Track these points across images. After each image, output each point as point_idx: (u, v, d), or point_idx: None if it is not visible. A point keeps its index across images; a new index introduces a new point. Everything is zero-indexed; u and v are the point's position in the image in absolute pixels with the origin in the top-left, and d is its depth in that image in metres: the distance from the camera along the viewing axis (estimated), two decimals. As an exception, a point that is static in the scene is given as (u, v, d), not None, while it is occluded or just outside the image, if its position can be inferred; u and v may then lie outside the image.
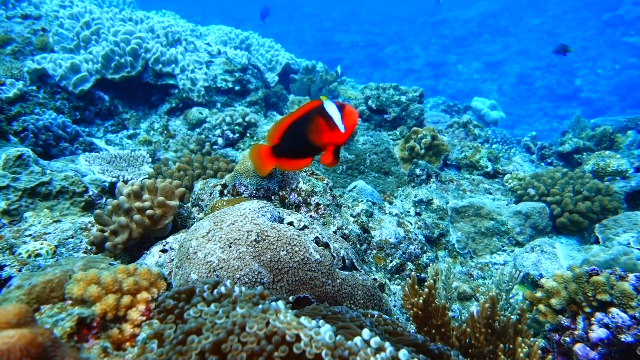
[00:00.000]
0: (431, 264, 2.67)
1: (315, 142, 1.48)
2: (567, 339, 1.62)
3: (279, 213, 1.98)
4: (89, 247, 2.09)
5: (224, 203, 2.18)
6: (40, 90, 3.84)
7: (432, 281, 1.45)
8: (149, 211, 1.94)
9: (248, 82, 4.94)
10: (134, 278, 1.12)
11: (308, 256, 1.62)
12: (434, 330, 1.47)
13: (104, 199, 2.72)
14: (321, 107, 1.46)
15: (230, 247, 1.56)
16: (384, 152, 4.27)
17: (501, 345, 1.38)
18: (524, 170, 4.31)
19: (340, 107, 1.45)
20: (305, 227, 1.92)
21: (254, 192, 2.28)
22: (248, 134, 4.32)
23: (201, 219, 1.98)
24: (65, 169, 2.69)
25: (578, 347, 1.54)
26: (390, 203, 3.55)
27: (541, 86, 15.61)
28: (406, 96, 4.87)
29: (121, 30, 4.25)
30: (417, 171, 3.81)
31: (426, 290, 1.45)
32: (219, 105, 4.67)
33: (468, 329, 1.44)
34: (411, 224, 2.99)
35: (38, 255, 1.96)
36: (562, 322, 1.69)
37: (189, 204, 2.50)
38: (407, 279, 1.68)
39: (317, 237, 1.84)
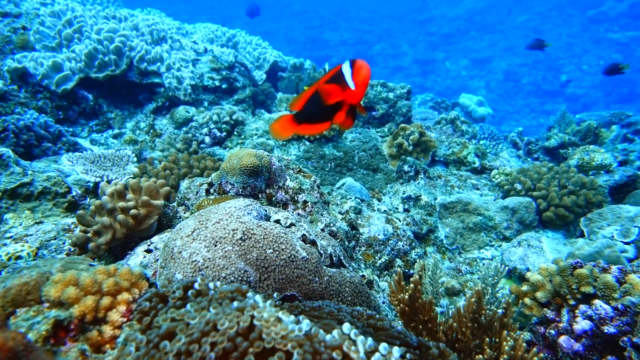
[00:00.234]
0: (419, 260, 2.68)
1: (329, 103, 1.45)
2: (552, 331, 1.63)
3: (266, 211, 1.96)
4: (72, 249, 2.05)
5: (210, 202, 2.16)
6: (22, 89, 3.76)
7: (417, 277, 1.45)
8: (133, 211, 1.92)
9: (235, 80, 4.90)
10: (115, 279, 1.10)
11: (295, 254, 1.61)
12: (421, 326, 1.47)
13: (88, 199, 2.67)
14: (338, 71, 1.42)
15: (215, 246, 1.54)
16: (373, 149, 4.27)
17: (487, 339, 1.39)
18: (510, 165, 4.35)
19: (352, 63, 1.39)
20: (292, 224, 1.91)
21: (240, 190, 2.26)
22: (235, 132, 4.29)
23: (187, 218, 1.96)
24: (48, 170, 2.64)
25: (562, 340, 1.55)
26: (379, 200, 3.56)
27: (528, 82, 15.78)
28: (394, 93, 4.87)
29: (105, 28, 4.18)
30: (406, 168, 3.82)
31: (412, 286, 1.45)
32: (206, 103, 4.63)
33: (455, 324, 1.44)
34: (400, 221, 2.99)
35: (19, 257, 1.92)
36: (547, 315, 1.70)
37: (175, 203, 2.47)
38: (394, 275, 1.68)
39: (304, 235, 1.83)
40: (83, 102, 4.10)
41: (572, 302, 1.66)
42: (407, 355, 0.80)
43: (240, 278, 1.47)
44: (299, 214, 2.36)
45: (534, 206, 3.26)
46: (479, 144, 4.66)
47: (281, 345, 0.67)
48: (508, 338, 1.33)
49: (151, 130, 4.33)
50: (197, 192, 2.40)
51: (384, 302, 2.35)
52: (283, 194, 2.37)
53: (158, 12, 6.78)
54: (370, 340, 0.71)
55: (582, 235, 2.99)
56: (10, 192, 2.32)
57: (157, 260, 1.77)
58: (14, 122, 3.14)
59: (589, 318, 1.51)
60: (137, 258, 1.83)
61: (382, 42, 19.99)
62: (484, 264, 2.99)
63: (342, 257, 1.93)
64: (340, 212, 2.85)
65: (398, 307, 1.50)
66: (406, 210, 3.38)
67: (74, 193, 2.59)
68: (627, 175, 3.62)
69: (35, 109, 3.67)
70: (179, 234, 1.64)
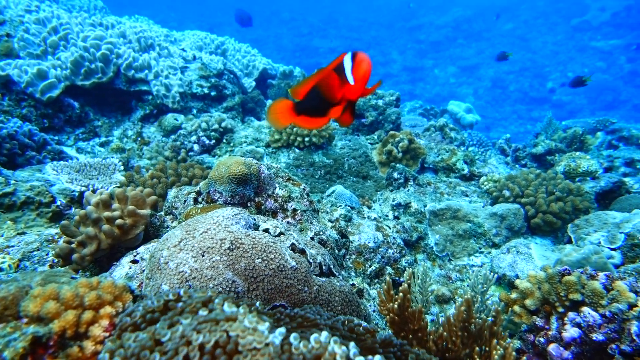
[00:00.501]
0: (408, 268, 2.68)
1: (328, 98, 1.37)
2: (542, 339, 1.63)
3: (255, 220, 1.94)
4: (55, 260, 2.00)
5: (198, 211, 2.13)
6: (5, 97, 3.69)
7: (406, 286, 1.44)
8: (118, 221, 1.88)
9: (224, 87, 4.88)
10: (97, 292, 1.07)
11: (284, 263, 1.59)
12: (411, 335, 1.46)
13: (73, 209, 2.62)
14: (339, 64, 1.34)
15: (203, 256, 1.52)
16: (362, 156, 4.28)
17: (477, 348, 1.38)
18: (499, 172, 4.38)
19: (353, 56, 1.31)
20: (281, 233, 1.89)
21: (229, 199, 2.24)
22: (225, 140, 4.27)
23: (174, 227, 1.93)
24: (32, 179, 2.59)
25: (552, 347, 1.55)
26: (369, 207, 3.55)
27: (515, 89, 16.02)
28: (383, 100, 4.90)
29: (91, 35, 4.14)
30: (395, 175, 3.83)
31: (401, 295, 1.44)
32: (194, 111, 4.59)
33: (445, 333, 1.43)
34: (390, 228, 2.99)
35: None
36: (537, 322, 1.70)
37: (162, 212, 2.43)
38: (383, 284, 1.67)
39: (293, 244, 1.81)
40: (69, 110, 4.04)
41: (560, 309, 1.66)
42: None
43: (228, 289, 1.45)
44: (288, 223, 2.34)
45: (522, 213, 3.28)
46: (468, 150, 4.70)
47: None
48: (498, 347, 1.32)
49: (139, 138, 4.28)
50: (185, 201, 2.37)
51: (374, 311, 2.34)
52: (272, 202, 2.35)
53: (146, 19, 6.74)
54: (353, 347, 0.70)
55: (569, 241, 3.02)
56: (-9, 202, 2.27)
57: (144, 271, 1.74)
58: (-3, 131, 3.08)
59: (578, 325, 1.52)
60: (122, 269, 1.80)
61: (370, 50, 20.14)
62: (473, 271, 2.99)
63: (331, 266, 1.91)
64: (330, 220, 2.83)
65: (388, 317, 1.49)
66: (396, 218, 3.38)
67: (59, 203, 2.54)
68: (612, 182, 3.68)
69: (19, 117, 3.60)
70: (165, 244, 1.61)
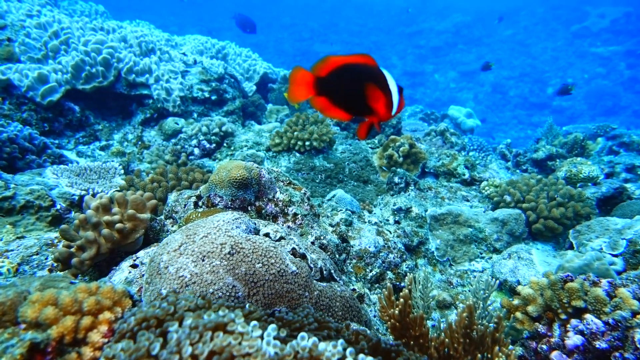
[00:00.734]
0: (409, 273, 2.66)
1: (369, 103, 1.35)
2: (544, 346, 1.62)
3: (255, 224, 1.93)
4: (55, 264, 1.99)
5: (199, 215, 2.12)
6: (5, 101, 3.69)
7: (407, 291, 1.43)
8: (118, 225, 1.87)
9: (225, 91, 4.89)
10: (96, 297, 1.06)
11: (284, 268, 1.58)
12: (412, 342, 1.44)
13: (73, 213, 2.61)
14: (379, 71, 1.35)
15: (203, 260, 1.51)
16: (363, 161, 4.27)
17: (479, 355, 1.37)
18: (500, 177, 4.38)
19: (400, 90, 1.36)
20: (282, 238, 1.88)
21: (229, 203, 2.23)
22: (225, 144, 4.26)
23: (174, 231, 1.92)
24: (31, 183, 2.58)
25: (555, 355, 1.53)
26: (370, 212, 3.54)
27: (515, 95, 16.06)
28: (384, 105, 4.89)
29: (92, 39, 4.14)
30: (396, 179, 3.82)
31: (402, 301, 1.42)
32: (195, 115, 4.60)
33: (446, 340, 1.42)
34: (390, 233, 2.98)
35: (-2, 274, 1.85)
36: (539, 329, 1.69)
37: (162, 217, 2.42)
38: (383, 290, 1.66)
39: (294, 248, 1.80)
40: (69, 114, 4.05)
41: (563, 316, 1.65)
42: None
43: (228, 293, 1.44)
44: (289, 227, 2.33)
45: (523, 218, 3.27)
46: (469, 155, 4.70)
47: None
48: (500, 354, 1.31)
49: (139, 142, 4.28)
50: (185, 205, 2.36)
51: (375, 316, 2.32)
52: (273, 206, 2.34)
53: (147, 23, 6.76)
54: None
55: (571, 247, 3.01)
56: (-9, 205, 2.26)
57: (143, 275, 1.73)
58: (-3, 134, 3.08)
59: (581, 333, 1.50)
60: (122, 274, 1.78)
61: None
62: (474, 277, 2.98)
63: (332, 271, 1.90)
64: (330, 225, 2.82)
65: (389, 323, 1.47)
66: (397, 222, 3.37)
67: (58, 207, 2.53)
68: (613, 188, 3.67)
69: (19, 121, 3.60)
70: (165, 248, 1.60)
